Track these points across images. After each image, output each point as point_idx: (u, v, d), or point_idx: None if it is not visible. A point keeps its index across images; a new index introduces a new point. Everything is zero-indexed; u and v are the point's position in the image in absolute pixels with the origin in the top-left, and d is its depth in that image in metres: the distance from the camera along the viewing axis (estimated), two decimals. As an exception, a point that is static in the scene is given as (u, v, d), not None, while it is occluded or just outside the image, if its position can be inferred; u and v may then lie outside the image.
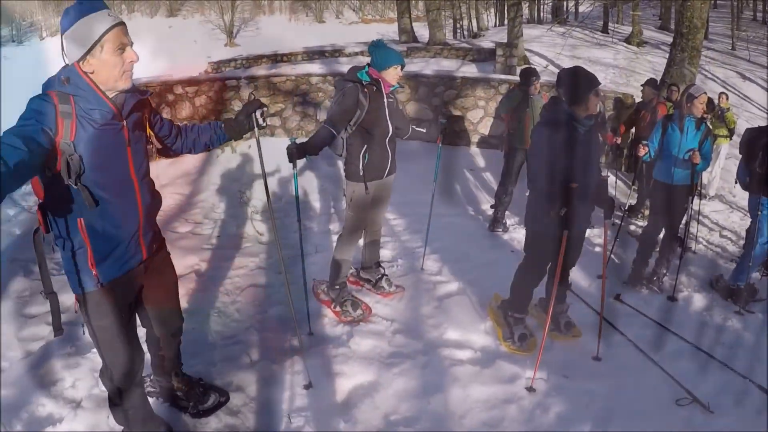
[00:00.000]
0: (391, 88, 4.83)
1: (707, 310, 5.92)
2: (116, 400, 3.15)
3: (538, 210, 4.38)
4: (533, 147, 4.43)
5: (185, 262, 6.15)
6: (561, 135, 4.21)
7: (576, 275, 6.19)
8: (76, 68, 2.57)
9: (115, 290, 2.90)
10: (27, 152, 2.26)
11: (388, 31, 32.27)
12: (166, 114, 10.55)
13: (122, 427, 3.33)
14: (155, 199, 3.08)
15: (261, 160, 3.88)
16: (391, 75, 4.74)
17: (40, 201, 2.70)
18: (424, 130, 5.48)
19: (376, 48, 4.75)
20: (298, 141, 4.45)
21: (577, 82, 4.24)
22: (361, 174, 4.81)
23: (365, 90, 4.66)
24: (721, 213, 9.87)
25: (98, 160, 2.63)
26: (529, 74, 7.57)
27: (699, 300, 6.11)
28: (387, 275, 5.66)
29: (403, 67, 4.81)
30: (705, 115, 6.21)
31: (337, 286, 5.18)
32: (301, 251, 4.87)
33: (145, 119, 2.98)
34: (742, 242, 7.77)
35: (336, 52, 21.25)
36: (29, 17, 60.53)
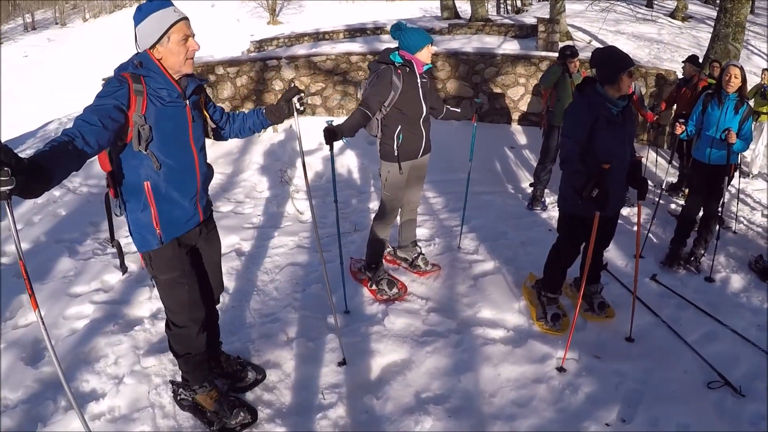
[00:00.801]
0: (425, 68, 4.84)
1: (744, 292, 5.78)
2: (179, 349, 3.52)
3: (570, 191, 4.35)
4: (566, 127, 4.39)
5: (227, 241, 6.29)
6: (593, 115, 4.19)
7: (613, 254, 6.19)
8: (148, 54, 2.97)
9: (177, 248, 3.27)
10: (101, 127, 2.63)
11: (432, 6, 31.93)
12: (209, 93, 10.72)
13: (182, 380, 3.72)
14: (210, 169, 3.44)
15: (300, 144, 4.05)
16: (424, 55, 4.76)
17: (109, 171, 3.09)
18: (459, 110, 5.47)
19: (402, 31, 4.76)
20: (334, 123, 4.51)
21: (609, 62, 4.22)
22: (396, 154, 4.86)
23: (399, 71, 4.69)
24: (764, 192, 9.65)
25: (165, 131, 3.01)
26: (565, 52, 7.51)
27: (737, 281, 5.97)
28: (423, 254, 5.71)
29: (432, 43, 4.82)
30: (746, 96, 6.03)
31: (374, 265, 5.26)
32: (338, 231, 4.91)
33: (202, 101, 3.33)
34: None
35: (378, 30, 21.16)
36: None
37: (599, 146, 4.20)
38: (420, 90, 4.84)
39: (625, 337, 4.74)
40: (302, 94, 3.66)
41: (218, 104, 10.48)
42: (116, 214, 3.17)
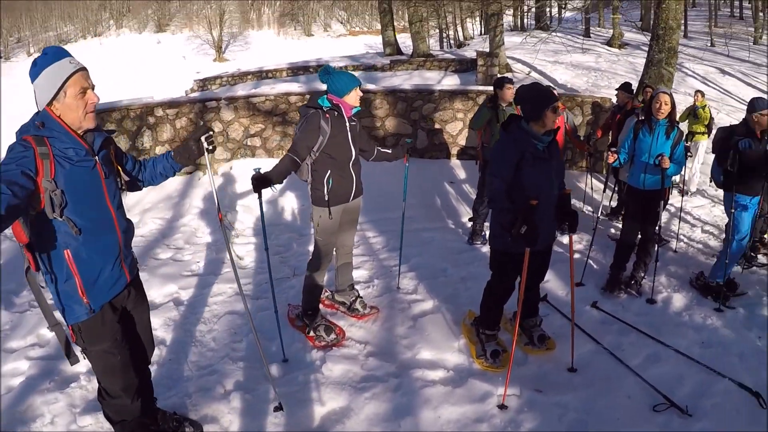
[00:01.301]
0: (353, 111, 4.88)
1: (687, 310, 5.93)
2: (114, 417, 3.40)
3: (499, 228, 4.39)
4: (491, 165, 4.44)
5: (165, 291, 6.23)
6: (519, 152, 4.24)
7: (553, 284, 6.29)
8: (48, 112, 2.84)
9: (107, 315, 3.13)
10: (10, 195, 2.47)
11: (376, 42, 32.34)
12: (147, 137, 10.59)
13: None
14: (130, 225, 3.30)
15: (212, 183, 3.99)
16: (352, 98, 4.80)
17: (26, 242, 2.89)
18: (391, 151, 5.52)
19: (329, 75, 4.78)
20: (262, 170, 4.49)
21: (533, 99, 4.27)
22: (326, 199, 4.86)
23: (327, 116, 4.73)
24: (703, 208, 9.90)
25: (78, 194, 2.87)
26: (498, 83, 7.61)
27: (678, 300, 6.12)
28: (361, 297, 5.70)
29: (360, 86, 4.86)
30: (676, 121, 6.20)
31: (311, 312, 5.21)
32: (270, 280, 4.91)
33: (112, 154, 3.19)
34: (723, 236, 7.77)
35: (320, 68, 21.31)
36: (17, 33, 60.53)
37: (526, 183, 4.25)
38: (349, 133, 4.87)
39: (567, 368, 4.77)
40: (211, 133, 3.56)
41: (158, 147, 10.50)
42: (43, 287, 3.00)
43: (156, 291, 6.20)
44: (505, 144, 4.35)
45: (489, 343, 4.90)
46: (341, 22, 76.56)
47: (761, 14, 34.77)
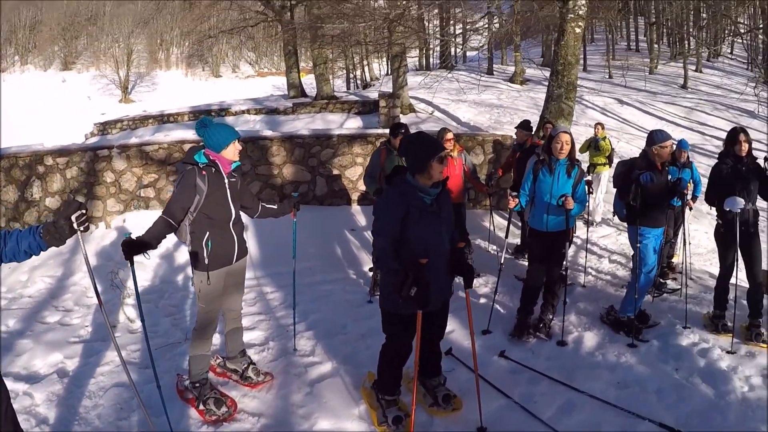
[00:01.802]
0: (232, 166, 4.72)
1: (599, 349, 5.92)
2: None
3: (388, 289, 4.21)
4: (375, 223, 4.25)
5: (50, 360, 5.87)
6: (404, 207, 4.06)
7: (458, 334, 6.13)
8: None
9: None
10: None
11: (284, 83, 32.45)
12: (37, 187, 10.12)
13: None
14: None
15: (87, 263, 3.81)
16: (230, 152, 4.63)
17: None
18: (276, 207, 5.36)
19: (206, 128, 4.59)
20: (134, 235, 4.27)
21: (418, 150, 4.08)
22: (206, 263, 4.65)
23: (203, 173, 4.53)
24: (609, 237, 10.20)
25: None
26: (394, 129, 7.57)
27: (590, 339, 6.12)
28: (254, 364, 5.42)
29: (239, 139, 4.70)
30: (576, 159, 6.22)
31: (198, 384, 4.91)
32: (149, 349, 4.53)
33: None
34: (631, 265, 7.92)
35: (222, 111, 21.11)
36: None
37: (413, 239, 4.07)
38: (228, 191, 4.69)
39: (476, 427, 4.59)
40: (83, 210, 3.33)
41: (48, 198, 10.04)
42: None
43: (41, 360, 5.83)
44: (389, 199, 4.18)
45: (390, 408, 4.63)
46: (250, 63, 76.25)
47: (656, 46, 37.07)
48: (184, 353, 5.91)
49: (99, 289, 7.57)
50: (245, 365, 5.34)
